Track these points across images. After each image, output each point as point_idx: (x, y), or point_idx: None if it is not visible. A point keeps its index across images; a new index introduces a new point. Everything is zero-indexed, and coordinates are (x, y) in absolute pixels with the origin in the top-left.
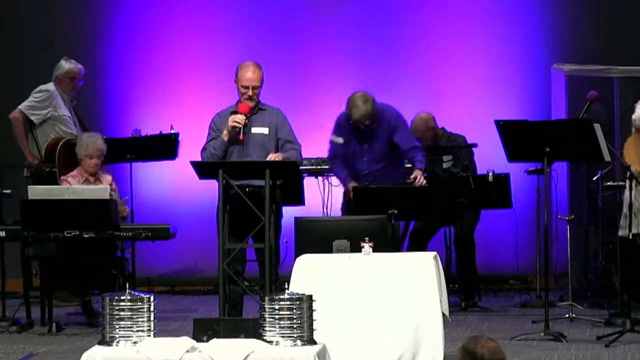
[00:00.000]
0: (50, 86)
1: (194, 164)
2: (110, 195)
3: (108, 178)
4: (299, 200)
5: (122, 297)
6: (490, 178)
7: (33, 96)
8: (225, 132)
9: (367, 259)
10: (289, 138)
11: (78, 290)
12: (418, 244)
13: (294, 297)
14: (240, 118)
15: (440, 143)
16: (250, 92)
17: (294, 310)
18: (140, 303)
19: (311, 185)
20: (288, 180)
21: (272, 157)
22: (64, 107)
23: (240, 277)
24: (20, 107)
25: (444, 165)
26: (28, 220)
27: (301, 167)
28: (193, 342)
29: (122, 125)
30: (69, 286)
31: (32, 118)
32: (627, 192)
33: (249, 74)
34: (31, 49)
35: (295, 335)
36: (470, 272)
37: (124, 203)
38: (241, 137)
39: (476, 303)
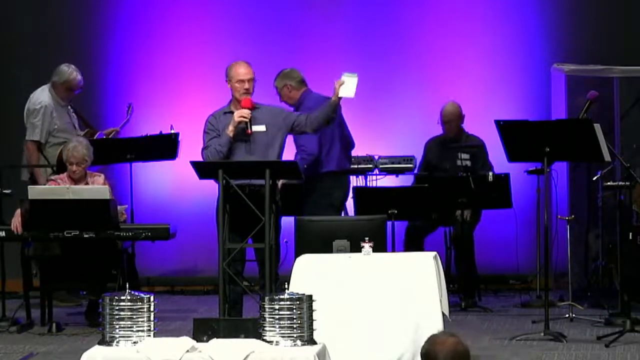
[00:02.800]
0: (44, 97)
1: (194, 164)
2: None
3: (99, 180)
4: (298, 211)
5: (122, 297)
6: (490, 178)
7: (31, 119)
8: (230, 128)
9: (367, 259)
10: (298, 114)
11: (78, 291)
12: (414, 243)
13: (294, 297)
14: (246, 112)
15: (459, 141)
16: (247, 85)
17: (294, 310)
18: (140, 303)
19: None
20: (288, 191)
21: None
22: (61, 114)
23: (240, 276)
24: (27, 138)
25: (459, 162)
26: (28, 220)
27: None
28: (193, 342)
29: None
30: (69, 286)
31: (42, 140)
32: None
33: (243, 69)
34: (31, 49)
35: (295, 335)
36: (470, 271)
37: (124, 210)
38: (249, 131)
39: (476, 303)
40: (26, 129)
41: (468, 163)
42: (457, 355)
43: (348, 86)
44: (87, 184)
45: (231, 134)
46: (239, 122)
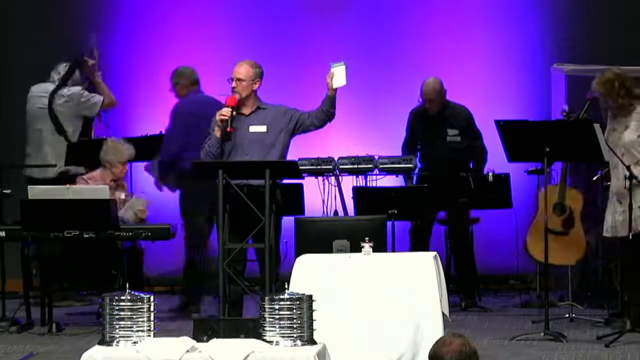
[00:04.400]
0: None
1: (194, 164)
2: (126, 200)
3: (125, 185)
4: (299, 210)
5: (122, 297)
6: (490, 178)
7: (81, 100)
8: (216, 128)
9: (367, 259)
10: (301, 113)
11: (78, 291)
12: (419, 243)
13: (294, 297)
14: (226, 111)
15: (445, 114)
16: (233, 84)
17: (294, 310)
18: (140, 303)
19: (311, 185)
20: (288, 191)
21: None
22: None
23: (241, 277)
24: (98, 102)
25: (449, 139)
26: (28, 220)
27: (301, 167)
28: (193, 342)
29: (123, 125)
30: (69, 286)
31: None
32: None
33: (236, 67)
34: (31, 49)
35: (295, 335)
36: (469, 271)
37: (144, 204)
38: (229, 129)
39: (476, 303)
40: (85, 108)
41: (457, 138)
42: (463, 356)
43: (338, 76)
44: (119, 185)
45: (217, 134)
46: (221, 121)
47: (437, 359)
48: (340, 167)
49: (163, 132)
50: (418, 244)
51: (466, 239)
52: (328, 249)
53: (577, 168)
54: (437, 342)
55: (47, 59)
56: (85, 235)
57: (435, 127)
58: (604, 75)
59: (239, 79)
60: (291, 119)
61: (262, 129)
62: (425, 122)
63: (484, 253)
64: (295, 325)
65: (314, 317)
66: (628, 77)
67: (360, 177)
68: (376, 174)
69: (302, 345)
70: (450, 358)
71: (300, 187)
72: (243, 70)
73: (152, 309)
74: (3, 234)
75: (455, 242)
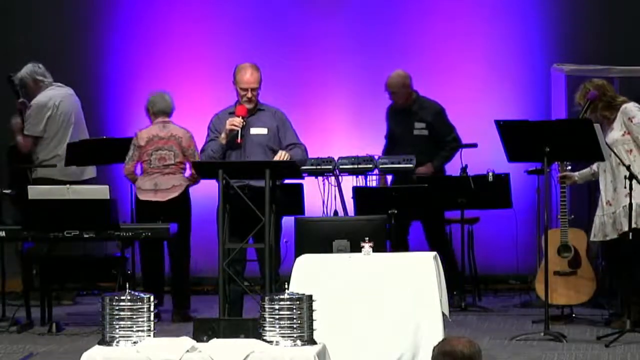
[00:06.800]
0: None
1: (194, 164)
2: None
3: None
4: (299, 210)
5: (122, 297)
6: (490, 178)
7: None
8: (223, 135)
9: (367, 259)
10: (292, 140)
11: (78, 290)
12: (400, 243)
13: (294, 297)
14: (237, 121)
15: (412, 108)
16: (249, 94)
17: (294, 310)
18: (140, 303)
19: (311, 185)
20: (288, 191)
21: (280, 155)
22: None
23: (241, 277)
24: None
25: (415, 132)
26: (28, 220)
27: (301, 167)
28: (193, 342)
29: (122, 125)
30: (69, 286)
31: None
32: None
33: (247, 76)
34: (32, 49)
35: (295, 335)
36: (450, 270)
37: None
38: (239, 140)
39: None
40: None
41: (425, 132)
42: (474, 346)
43: None
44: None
45: (223, 142)
46: (231, 130)
47: (448, 352)
48: (340, 167)
49: None
50: (397, 244)
51: (443, 238)
52: (328, 249)
53: (577, 168)
54: (442, 342)
55: (47, 60)
56: (85, 235)
57: (403, 120)
58: (585, 88)
59: (254, 89)
60: (282, 129)
61: (263, 131)
62: (395, 115)
63: (484, 253)
64: (295, 325)
65: (314, 317)
66: (610, 88)
67: (360, 177)
68: (376, 174)
69: (302, 345)
70: (462, 348)
71: (300, 187)
72: (254, 78)
73: (152, 309)
74: (3, 234)
75: (431, 241)
